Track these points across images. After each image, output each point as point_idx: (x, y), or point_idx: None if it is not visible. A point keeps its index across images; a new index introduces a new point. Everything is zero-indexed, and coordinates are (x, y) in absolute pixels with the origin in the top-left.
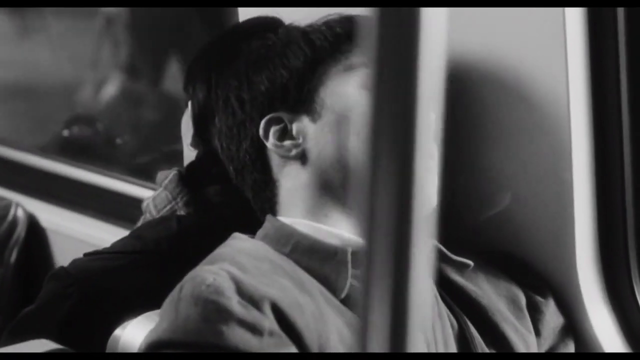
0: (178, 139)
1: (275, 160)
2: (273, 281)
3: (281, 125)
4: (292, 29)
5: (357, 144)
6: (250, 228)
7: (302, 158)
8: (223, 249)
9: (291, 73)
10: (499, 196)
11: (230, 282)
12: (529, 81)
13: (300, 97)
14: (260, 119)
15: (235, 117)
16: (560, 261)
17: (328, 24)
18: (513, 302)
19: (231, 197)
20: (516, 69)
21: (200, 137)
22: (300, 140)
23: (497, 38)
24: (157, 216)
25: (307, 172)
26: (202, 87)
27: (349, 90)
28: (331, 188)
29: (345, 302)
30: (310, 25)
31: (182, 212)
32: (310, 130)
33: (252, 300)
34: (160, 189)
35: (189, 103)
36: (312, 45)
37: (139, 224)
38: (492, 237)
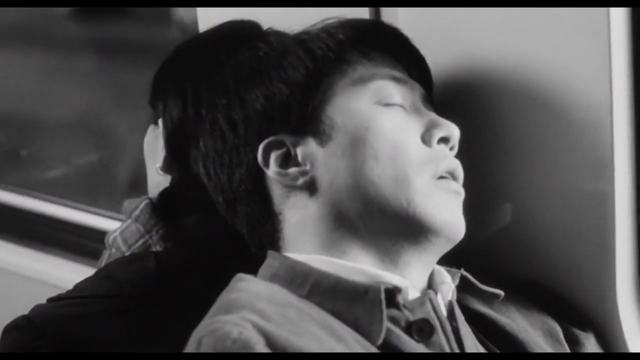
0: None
1: (276, 190)
2: (304, 330)
3: (283, 149)
4: (285, 37)
5: (375, 168)
6: (243, 264)
7: (311, 187)
8: (236, 295)
9: (292, 88)
10: (529, 220)
11: (258, 334)
12: (567, 89)
13: (304, 117)
14: (258, 143)
15: (225, 141)
16: (599, 292)
17: (327, 31)
18: (550, 335)
19: (214, 228)
20: (552, 75)
21: (176, 161)
22: (308, 167)
23: (534, 44)
24: (128, 252)
25: (317, 203)
26: (176, 103)
27: (360, 107)
28: (347, 220)
29: (382, 349)
30: (306, 33)
31: (157, 248)
32: (318, 155)
33: None
34: (129, 220)
35: (156, 120)
36: (313, 55)
37: (103, 261)
38: (519, 266)
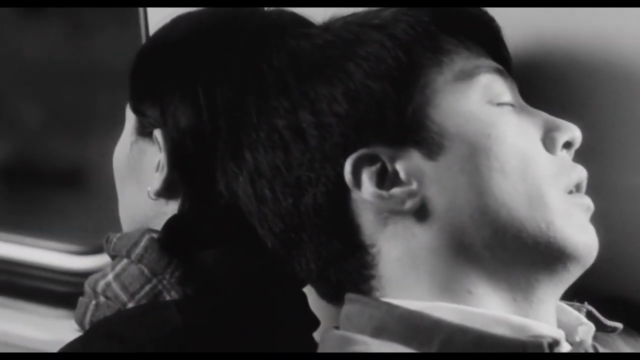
0: None
1: (367, 215)
2: None
3: (377, 165)
4: (346, 21)
5: (503, 185)
6: (287, 310)
7: (421, 211)
8: None
9: (383, 86)
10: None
11: None
12: None
13: (403, 122)
14: (341, 158)
15: (290, 155)
16: None
17: (406, 14)
18: None
19: (242, 264)
20: None
21: (186, 181)
22: (415, 186)
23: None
24: (131, 302)
25: (430, 231)
26: (183, 109)
27: (473, 109)
28: (471, 251)
29: None
30: (375, 16)
31: (172, 295)
32: (427, 170)
33: None
34: (125, 261)
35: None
36: (401, 43)
37: (87, 314)
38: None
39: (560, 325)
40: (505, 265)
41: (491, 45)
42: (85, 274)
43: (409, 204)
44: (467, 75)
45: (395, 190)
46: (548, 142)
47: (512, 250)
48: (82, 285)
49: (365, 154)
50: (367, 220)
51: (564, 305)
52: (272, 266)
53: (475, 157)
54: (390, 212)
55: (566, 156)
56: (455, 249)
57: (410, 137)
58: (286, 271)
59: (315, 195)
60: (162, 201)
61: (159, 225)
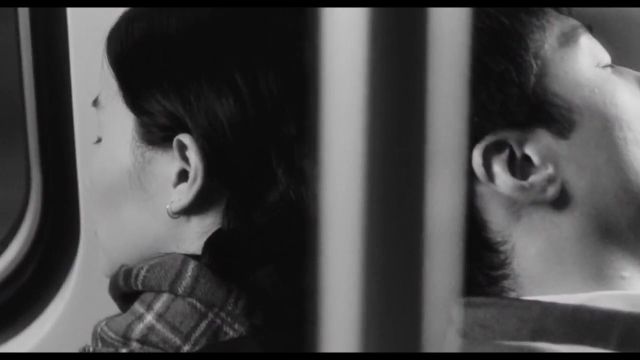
0: None
1: (497, 210)
2: None
3: (505, 151)
4: None
5: None
6: None
7: (560, 198)
8: None
9: (500, 60)
10: None
11: None
12: None
13: (526, 99)
14: (469, 148)
15: None
16: None
17: None
18: None
19: (297, 281)
20: None
21: (234, 189)
22: (551, 170)
23: None
24: (187, 346)
25: (573, 218)
26: (220, 99)
27: (591, 77)
28: (617, 233)
29: None
30: None
31: (236, 328)
32: (562, 151)
33: None
34: (164, 296)
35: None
36: (502, 11)
37: None
38: None
39: None
40: None
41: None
42: None
43: (551, 191)
44: (569, 39)
45: (535, 178)
46: None
47: None
48: None
49: (495, 141)
50: (496, 215)
51: None
52: None
53: (609, 129)
54: (523, 204)
55: None
56: (602, 233)
57: (535, 116)
58: None
59: None
60: (180, 220)
61: (178, 249)
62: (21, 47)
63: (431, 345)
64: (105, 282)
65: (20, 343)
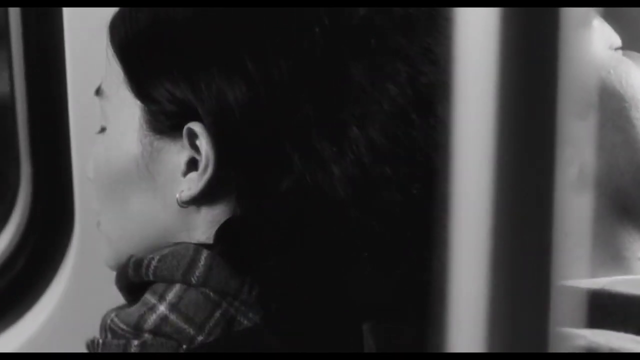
0: None
1: None
2: None
3: None
4: None
5: None
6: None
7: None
8: None
9: None
10: None
11: None
12: None
13: None
14: None
15: None
16: None
17: None
18: None
19: (308, 270)
20: None
21: (247, 176)
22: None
23: None
24: (202, 336)
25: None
26: (232, 85)
27: (605, 58)
28: (633, 213)
29: None
30: None
31: (250, 317)
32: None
33: None
34: (177, 287)
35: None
36: None
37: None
38: None
39: None
40: None
41: None
42: None
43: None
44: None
45: None
46: None
47: None
48: None
49: None
50: None
51: None
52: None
53: (626, 110)
54: None
55: None
56: (620, 214)
57: None
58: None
59: None
60: (191, 209)
61: (189, 238)
62: (11, 31)
63: (557, 345)
64: (99, 273)
65: (14, 335)
